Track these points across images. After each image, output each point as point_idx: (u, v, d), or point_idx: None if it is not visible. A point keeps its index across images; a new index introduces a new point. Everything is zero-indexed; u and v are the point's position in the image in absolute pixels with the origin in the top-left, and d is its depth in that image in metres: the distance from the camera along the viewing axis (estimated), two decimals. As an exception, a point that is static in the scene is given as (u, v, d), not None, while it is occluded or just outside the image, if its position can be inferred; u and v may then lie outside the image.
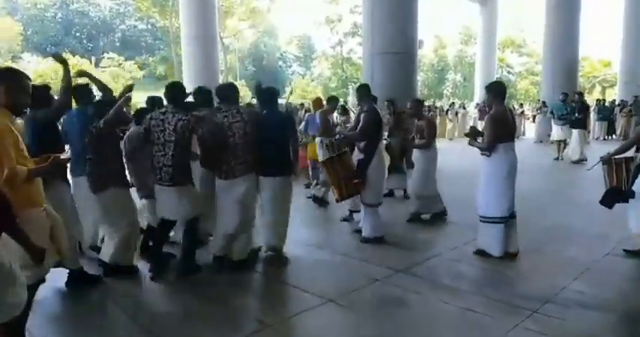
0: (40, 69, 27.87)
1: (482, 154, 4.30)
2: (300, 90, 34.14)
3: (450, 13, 40.86)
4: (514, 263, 4.22)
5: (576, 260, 4.23)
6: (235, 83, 7.64)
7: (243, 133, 4.02)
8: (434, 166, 5.71)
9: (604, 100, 18.10)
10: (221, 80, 20.98)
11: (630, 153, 4.51)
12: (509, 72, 38.53)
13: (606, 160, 4.46)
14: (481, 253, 4.36)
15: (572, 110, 10.69)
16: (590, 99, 22.07)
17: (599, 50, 35.20)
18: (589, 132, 14.43)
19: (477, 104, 20.10)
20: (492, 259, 4.32)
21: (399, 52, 9.43)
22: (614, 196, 4.36)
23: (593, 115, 16.10)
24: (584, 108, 10.82)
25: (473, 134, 4.48)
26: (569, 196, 7.07)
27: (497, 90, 4.30)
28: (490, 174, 4.25)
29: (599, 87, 34.97)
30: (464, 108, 20.55)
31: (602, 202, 4.43)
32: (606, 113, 16.62)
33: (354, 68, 35.82)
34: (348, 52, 37.50)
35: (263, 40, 49.61)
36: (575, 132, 10.53)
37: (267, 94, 4.41)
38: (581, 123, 10.56)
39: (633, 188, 4.25)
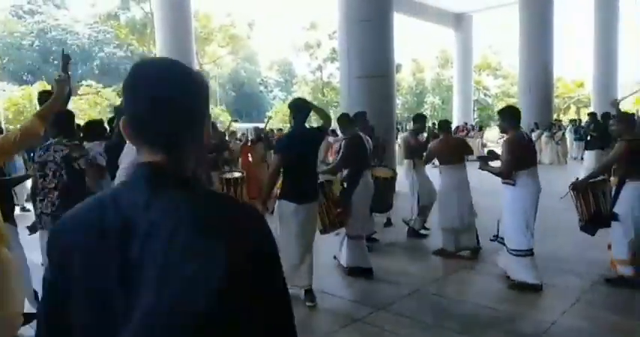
0: (14, 97, 27.32)
1: (504, 183, 4.11)
2: (281, 115, 34.18)
3: (427, 37, 41.78)
4: (500, 296, 4.01)
5: (565, 291, 4.04)
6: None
7: None
8: (445, 193, 5.16)
9: (579, 120, 18.39)
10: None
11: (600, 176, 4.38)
12: (485, 94, 39.22)
13: (579, 187, 4.23)
14: (520, 286, 4.07)
15: (585, 131, 10.32)
16: (565, 119, 22.48)
17: (572, 71, 36.28)
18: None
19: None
20: (476, 292, 4.12)
21: (376, 75, 9.37)
22: (596, 222, 4.19)
23: (569, 135, 16.29)
24: (599, 128, 10.02)
25: (486, 158, 4.28)
26: (554, 221, 6.94)
27: (510, 115, 4.15)
28: (515, 204, 4.06)
29: (574, 107, 35.79)
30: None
31: (584, 229, 4.27)
32: (582, 133, 16.83)
33: (335, 92, 36.04)
34: (328, 76, 37.85)
35: (243, 66, 49.83)
36: (587, 153, 10.13)
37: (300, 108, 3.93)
38: (595, 144, 9.88)
39: (615, 210, 4.08)
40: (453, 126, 23.56)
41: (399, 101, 40.18)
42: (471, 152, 5.51)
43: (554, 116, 21.05)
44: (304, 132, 3.96)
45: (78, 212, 0.85)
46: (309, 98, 39.33)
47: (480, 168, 4.30)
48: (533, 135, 15.74)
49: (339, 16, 9.92)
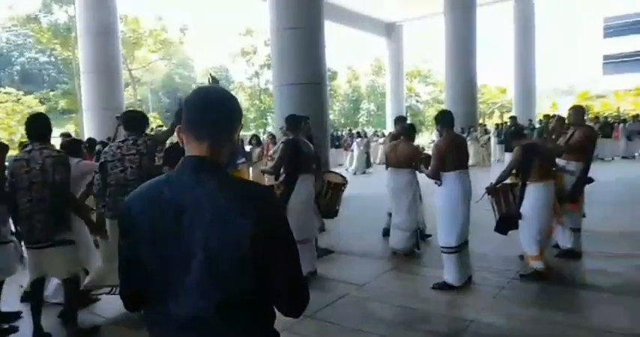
0: None
1: (435, 183, 4.29)
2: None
3: (362, 45, 42.83)
4: (423, 297, 4.10)
5: (484, 289, 4.20)
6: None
7: (137, 167, 3.56)
8: (391, 195, 5.50)
9: (503, 124, 19.52)
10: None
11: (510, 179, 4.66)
12: (417, 100, 40.73)
13: (492, 190, 4.49)
14: (440, 287, 4.22)
15: (505, 133, 11.03)
16: (490, 124, 23.80)
17: (495, 78, 38.51)
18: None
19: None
20: (401, 294, 4.19)
21: (308, 82, 9.41)
22: (507, 223, 4.45)
23: (493, 139, 17.20)
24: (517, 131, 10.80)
25: (424, 161, 4.55)
26: (472, 220, 7.24)
27: (444, 120, 4.36)
28: (442, 203, 4.24)
29: (498, 112, 38.01)
30: (378, 135, 21.40)
31: (496, 229, 4.52)
32: (503, 136, 17.84)
33: (272, 99, 35.90)
34: (266, 83, 37.60)
35: (177, 72, 48.47)
36: (507, 155, 10.81)
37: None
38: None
39: (521, 211, 4.40)
40: (386, 131, 24.29)
41: (335, 107, 40.75)
42: (414, 159, 5.30)
43: (480, 121, 22.23)
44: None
45: (142, 190, 1.20)
46: (246, 105, 39.02)
47: (419, 170, 4.62)
48: (461, 140, 16.51)
49: (270, 23, 9.88)
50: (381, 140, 20.14)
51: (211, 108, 1.19)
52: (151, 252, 1.14)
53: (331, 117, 39.29)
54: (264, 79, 37.54)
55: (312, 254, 4.68)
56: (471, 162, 16.43)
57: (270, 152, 9.07)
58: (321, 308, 3.86)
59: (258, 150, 10.65)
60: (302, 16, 9.29)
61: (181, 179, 1.15)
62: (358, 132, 18.81)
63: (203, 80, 51.10)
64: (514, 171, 4.62)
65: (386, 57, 28.68)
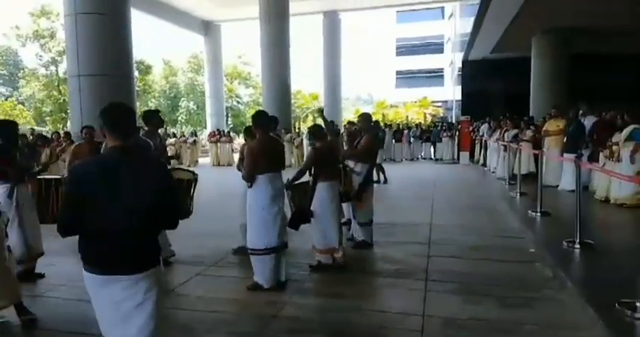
0: None
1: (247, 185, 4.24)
2: (3, 115, 28.21)
3: (179, 40, 41.02)
4: (229, 298, 4.11)
5: (289, 283, 4.38)
6: None
7: None
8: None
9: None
10: None
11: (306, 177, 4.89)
12: (238, 102, 40.95)
13: (289, 186, 4.71)
14: (254, 288, 4.22)
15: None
16: (304, 127, 25.36)
17: (309, 84, 41.18)
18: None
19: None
20: (206, 298, 4.12)
21: (111, 74, 8.60)
22: (300, 218, 4.67)
23: (305, 141, 18.31)
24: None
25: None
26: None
27: (258, 120, 4.27)
28: (252, 205, 4.19)
29: (311, 116, 40.71)
30: (195, 135, 20.88)
31: (290, 225, 4.61)
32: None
33: (74, 91, 31.81)
34: (65, 72, 33.14)
35: (-57, 52, 39.32)
36: None
37: None
38: None
39: (312, 208, 4.68)
40: (207, 131, 23.88)
41: (151, 104, 38.18)
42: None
43: (296, 124, 23.49)
44: None
45: (90, 161, 2.42)
46: (40, 96, 33.75)
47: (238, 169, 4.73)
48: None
49: (64, 5, 8.72)
50: (173, 140, 19.51)
51: (121, 119, 2.17)
52: (98, 196, 2.02)
53: (145, 114, 36.61)
54: (65, 67, 33.04)
55: None
56: (287, 162, 17.20)
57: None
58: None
59: (47, 150, 9.30)
60: (101, 1, 8.42)
61: (114, 156, 2.12)
62: None
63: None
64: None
65: (205, 55, 28.09)
